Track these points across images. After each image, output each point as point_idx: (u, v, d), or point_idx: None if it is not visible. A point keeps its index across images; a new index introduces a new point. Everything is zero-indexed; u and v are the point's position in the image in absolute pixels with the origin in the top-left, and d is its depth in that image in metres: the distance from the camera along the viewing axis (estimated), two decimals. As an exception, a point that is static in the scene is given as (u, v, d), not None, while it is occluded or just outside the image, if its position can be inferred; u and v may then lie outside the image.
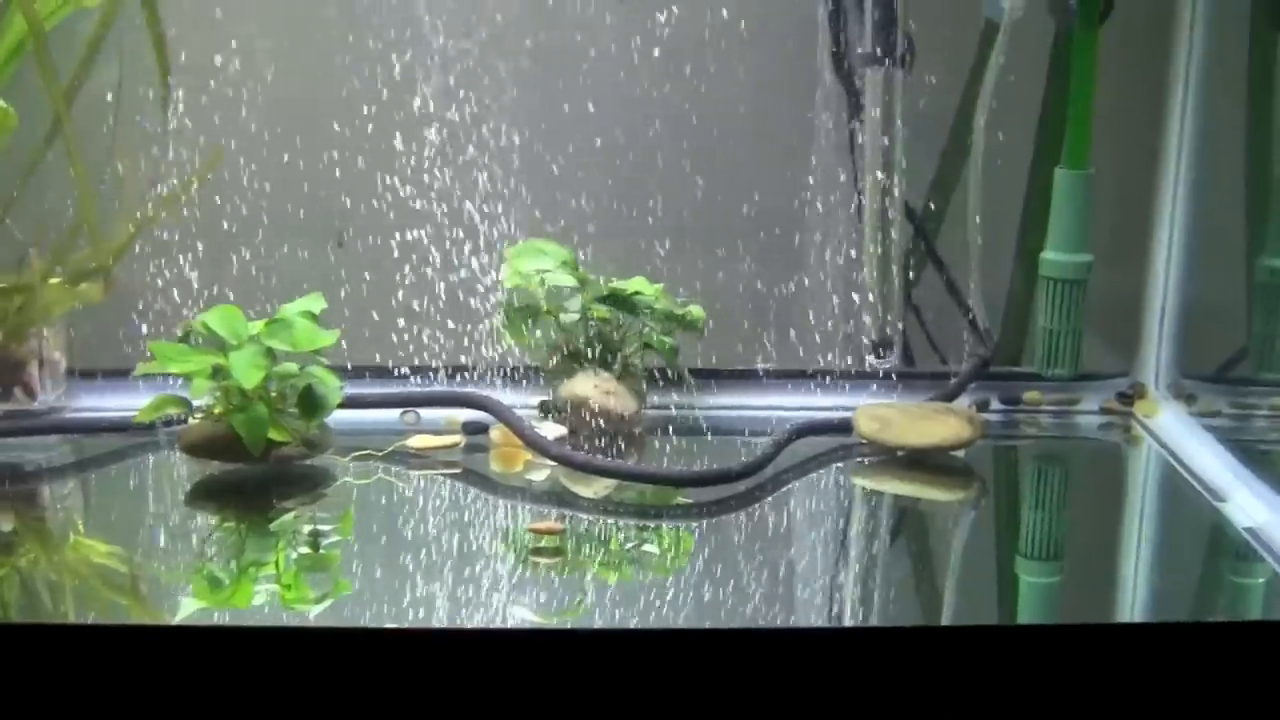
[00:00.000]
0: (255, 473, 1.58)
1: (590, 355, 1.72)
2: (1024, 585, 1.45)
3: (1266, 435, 1.82)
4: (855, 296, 1.84)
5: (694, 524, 1.51)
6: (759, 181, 1.84)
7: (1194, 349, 1.84)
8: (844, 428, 1.71)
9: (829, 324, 1.84)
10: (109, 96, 1.70)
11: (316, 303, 1.62)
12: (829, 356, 1.83)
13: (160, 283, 1.74)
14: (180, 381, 1.60)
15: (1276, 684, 1.25)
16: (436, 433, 1.71)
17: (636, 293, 1.72)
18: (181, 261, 1.75)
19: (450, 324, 1.77)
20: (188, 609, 1.30)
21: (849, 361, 1.84)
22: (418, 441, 1.68)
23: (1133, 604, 1.42)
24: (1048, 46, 1.84)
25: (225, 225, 1.77)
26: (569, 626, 1.28)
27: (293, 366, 1.57)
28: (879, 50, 1.80)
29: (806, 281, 1.84)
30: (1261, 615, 1.38)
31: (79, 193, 1.67)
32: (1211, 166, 1.81)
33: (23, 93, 1.63)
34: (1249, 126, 1.82)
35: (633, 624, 1.28)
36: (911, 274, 1.86)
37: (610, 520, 1.52)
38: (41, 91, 1.64)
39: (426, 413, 1.75)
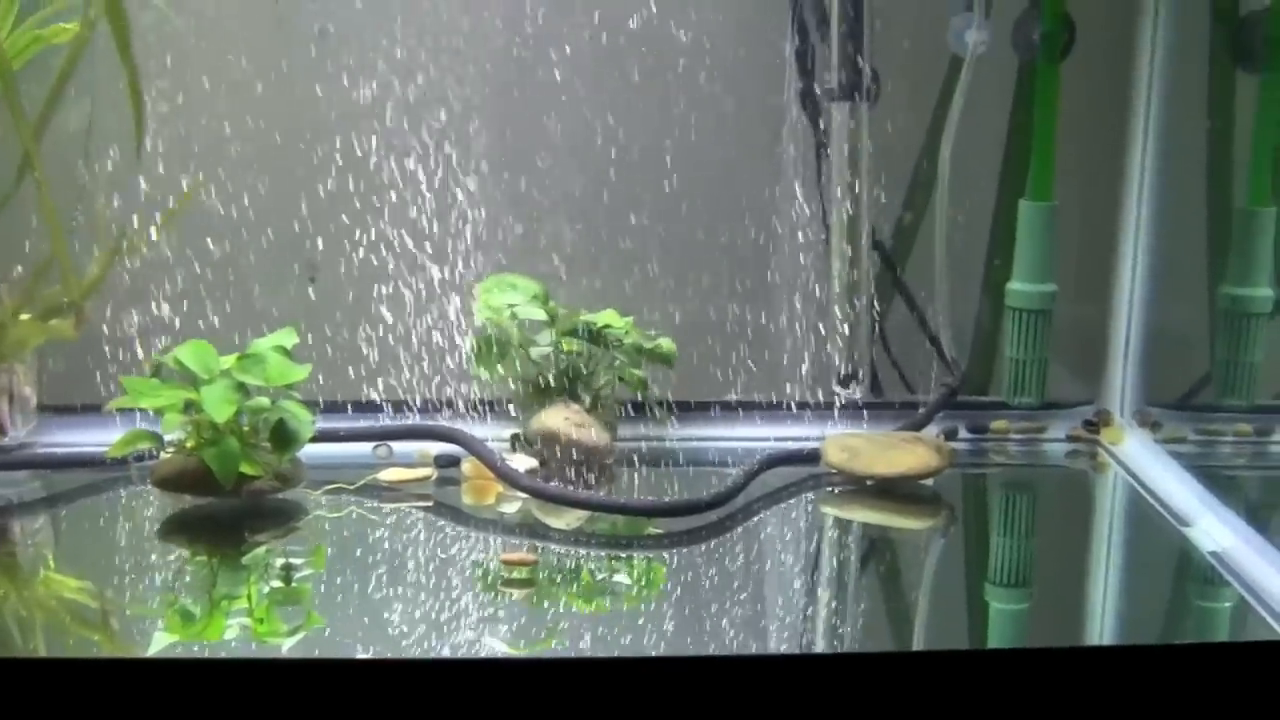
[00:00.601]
0: (227, 507, 1.57)
1: (561, 388, 1.73)
2: (993, 611, 1.45)
3: (1231, 461, 1.84)
4: (823, 328, 1.85)
5: (665, 554, 1.51)
6: (727, 215, 1.85)
7: (1158, 376, 1.86)
8: (813, 458, 1.72)
9: (798, 355, 1.85)
10: (82, 130, 1.70)
11: (289, 338, 1.62)
12: (798, 387, 1.84)
13: (132, 318, 1.74)
14: (152, 416, 1.60)
15: (1243, 706, 1.26)
16: (408, 466, 1.71)
17: (607, 326, 1.73)
18: (153, 297, 1.75)
19: (422, 358, 1.77)
20: (159, 643, 1.29)
21: (818, 392, 1.85)
22: (390, 475, 1.68)
23: (1101, 628, 1.42)
24: (1011, 80, 1.86)
25: (198, 260, 1.77)
26: (541, 656, 1.28)
27: (265, 401, 1.57)
28: (845, 85, 1.82)
29: (775, 313, 1.85)
30: (1228, 638, 1.39)
31: (50, 228, 1.67)
32: (1173, 196, 1.83)
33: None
34: (1209, 157, 1.85)
35: (604, 653, 1.28)
36: (879, 305, 1.87)
37: (582, 551, 1.53)
38: (11, 128, 1.64)
39: (398, 446, 1.75)
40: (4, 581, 1.44)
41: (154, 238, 1.73)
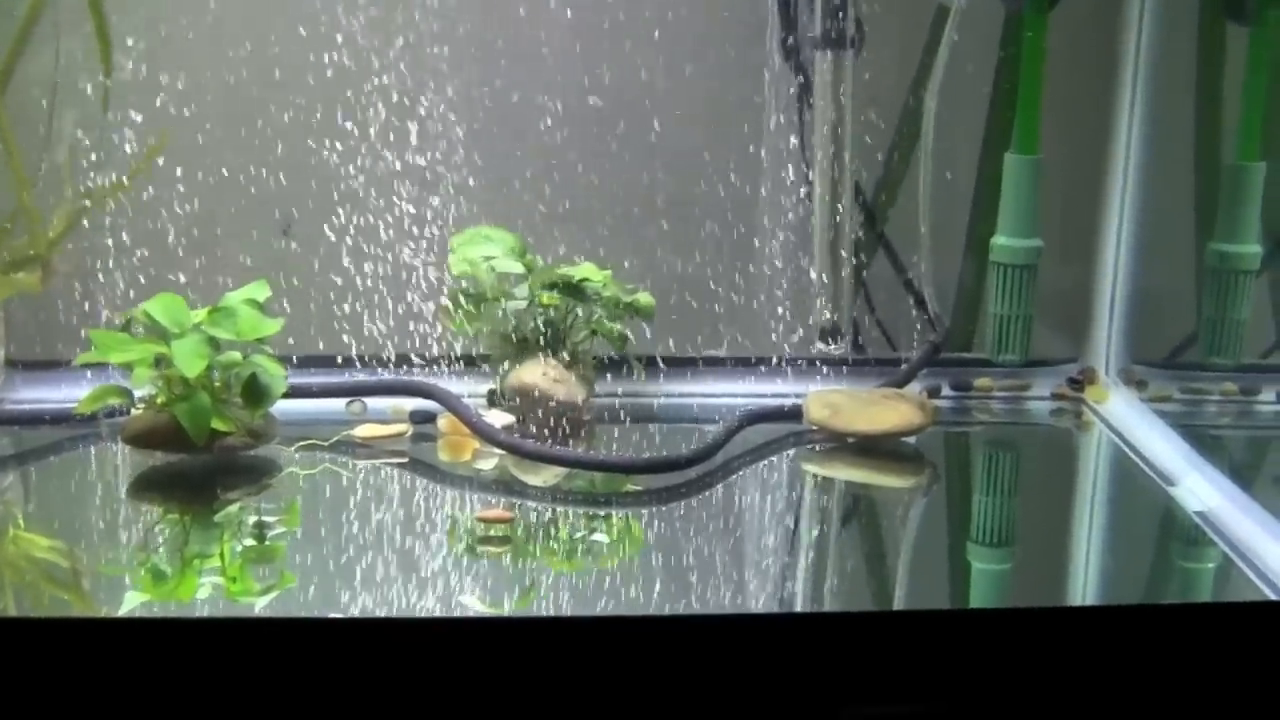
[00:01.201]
0: (199, 463, 1.56)
1: (538, 343, 1.71)
2: (975, 571, 1.44)
3: (1217, 420, 1.83)
4: (806, 283, 1.84)
5: (644, 511, 1.50)
6: (708, 167, 1.83)
7: (1144, 334, 1.85)
8: (794, 414, 1.70)
9: (779, 310, 1.83)
10: (48, 82, 1.67)
11: (261, 291, 1.60)
12: (779, 343, 1.83)
13: (99, 271, 1.72)
14: (122, 371, 1.58)
15: (1227, 665, 1.26)
16: (383, 422, 1.69)
17: (585, 279, 1.71)
18: (121, 250, 1.73)
19: (396, 312, 1.75)
20: (131, 602, 1.28)
21: (800, 348, 1.84)
22: (364, 431, 1.66)
23: (1084, 588, 1.41)
24: (998, 31, 1.84)
25: (167, 212, 1.75)
26: (518, 615, 1.26)
27: (236, 355, 1.55)
28: (829, 34, 1.79)
29: (756, 268, 1.83)
30: (1212, 598, 1.38)
31: (15, 180, 1.64)
32: (1160, 153, 1.81)
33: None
34: (1197, 113, 1.83)
35: (582, 611, 1.27)
36: (862, 259, 1.86)
37: (560, 508, 1.51)
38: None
39: (373, 402, 1.73)
40: (-29, 539, 1.42)
41: (122, 189, 1.70)
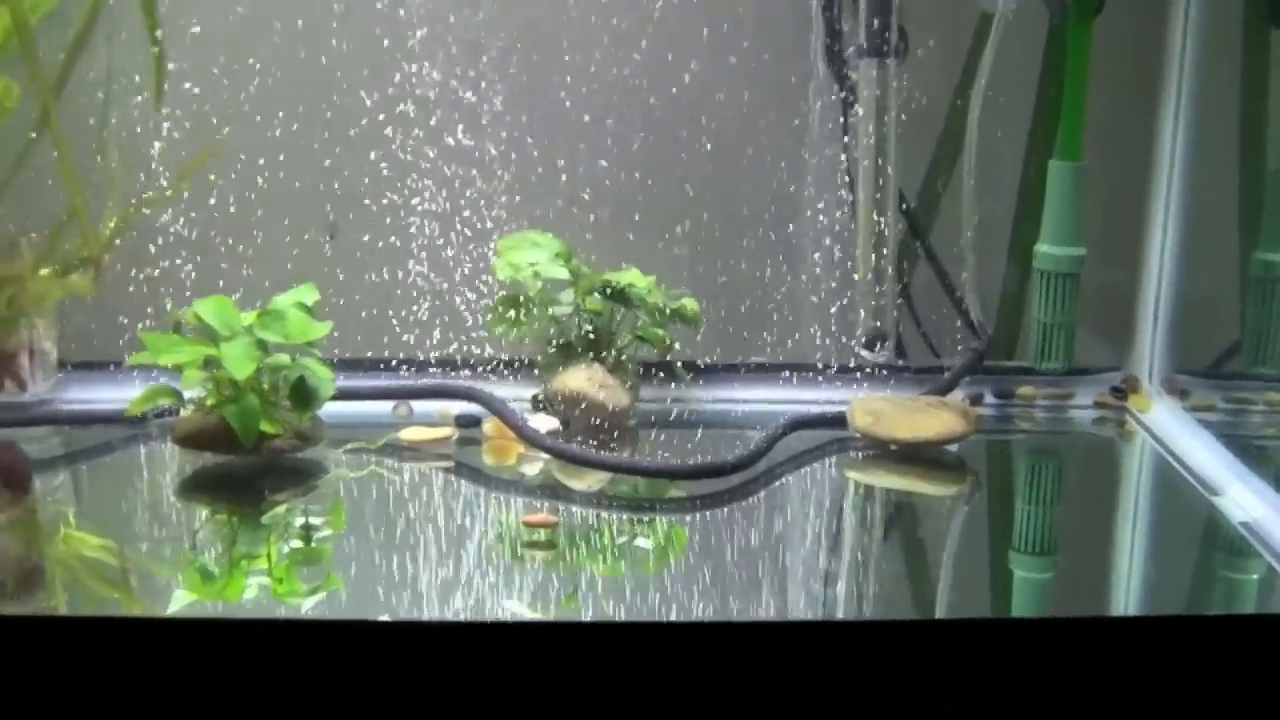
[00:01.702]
0: (247, 465, 1.57)
1: (584, 348, 1.72)
2: (1017, 579, 1.44)
3: (1261, 430, 1.82)
4: (849, 290, 1.84)
5: (687, 517, 1.50)
6: (752, 174, 1.83)
7: (1188, 343, 1.84)
8: (838, 421, 1.70)
9: (824, 317, 1.83)
10: (99, 89, 1.69)
11: (310, 294, 1.61)
12: (823, 350, 1.83)
13: (153, 274, 1.74)
14: (172, 372, 1.59)
15: (1271, 678, 1.25)
16: (429, 426, 1.70)
17: (630, 285, 1.72)
18: (173, 252, 1.75)
19: (443, 317, 1.76)
20: (179, 601, 1.29)
21: (843, 355, 1.84)
22: (410, 434, 1.67)
23: (1127, 598, 1.41)
24: (1042, 38, 1.83)
25: (218, 216, 1.76)
26: (561, 620, 1.27)
27: (285, 358, 1.57)
28: (873, 42, 1.79)
29: (800, 274, 1.83)
30: (1256, 609, 1.38)
31: (68, 183, 1.66)
32: (1205, 160, 1.80)
33: (15, 79, 1.62)
34: (1243, 120, 1.82)
35: (625, 617, 1.27)
36: (905, 267, 1.86)
37: (603, 513, 1.52)
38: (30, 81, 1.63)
39: (419, 406, 1.74)
40: (25, 538, 1.44)
41: (174, 193, 1.72)
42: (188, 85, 1.73)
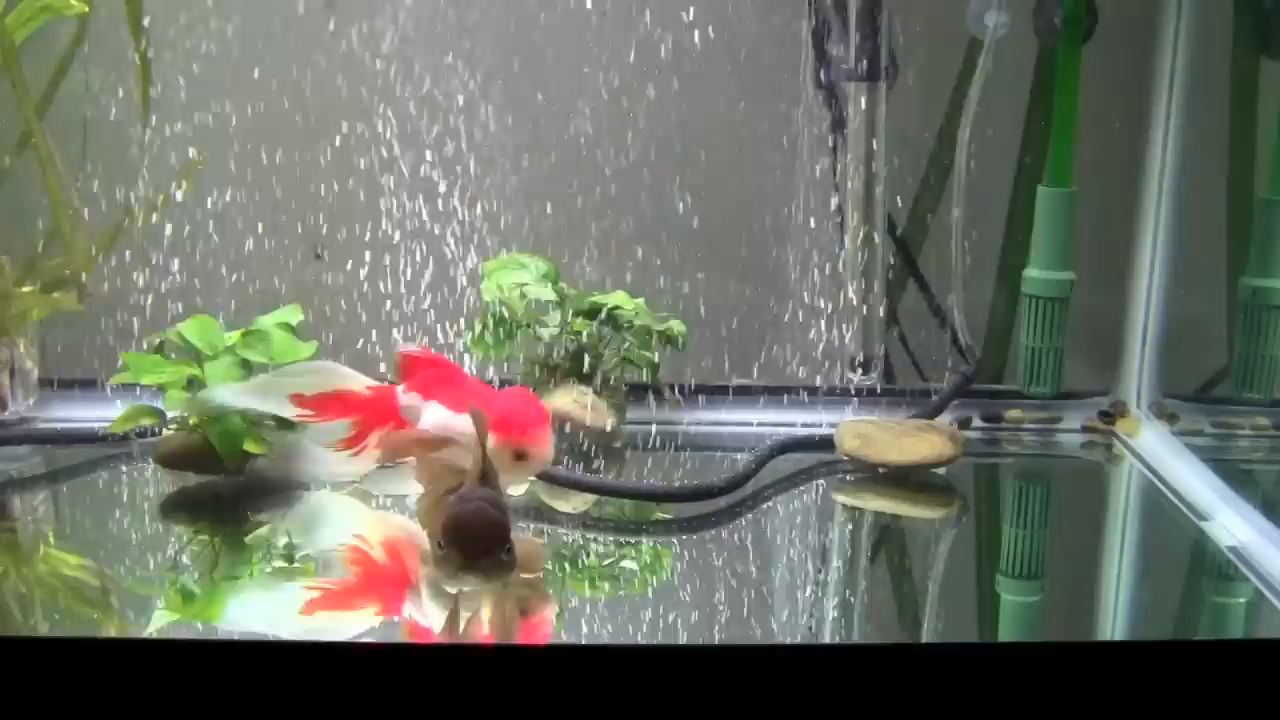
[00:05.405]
0: (230, 485, 1.56)
1: (570, 369, 1.71)
2: (1005, 603, 1.44)
3: (1249, 454, 1.82)
4: (837, 313, 1.84)
5: (674, 540, 1.49)
6: (740, 197, 1.83)
7: (1176, 368, 1.84)
8: (826, 444, 1.70)
9: (811, 340, 1.83)
10: (85, 105, 1.69)
11: (294, 314, 1.61)
12: (811, 373, 1.83)
13: (135, 292, 1.73)
14: (155, 392, 1.58)
15: (1259, 703, 1.24)
16: (414, 446, 1.69)
17: (616, 307, 1.71)
18: (155, 270, 1.74)
19: (428, 338, 1.75)
20: (160, 621, 1.28)
21: (831, 378, 1.83)
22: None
23: (1114, 623, 1.41)
24: (1031, 64, 1.84)
25: (202, 235, 1.76)
26: (545, 643, 1.26)
27: (269, 378, 1.56)
28: (862, 66, 1.80)
29: (788, 297, 1.83)
30: (1245, 634, 1.37)
31: (52, 200, 1.65)
32: (1193, 185, 1.81)
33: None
34: (1231, 146, 1.83)
35: (610, 641, 1.27)
36: (894, 290, 1.86)
37: (589, 535, 1.51)
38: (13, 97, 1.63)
39: (404, 426, 1.73)
40: (4, 558, 1.43)
41: (155, 210, 1.71)
42: (178, 99, 1.73)
